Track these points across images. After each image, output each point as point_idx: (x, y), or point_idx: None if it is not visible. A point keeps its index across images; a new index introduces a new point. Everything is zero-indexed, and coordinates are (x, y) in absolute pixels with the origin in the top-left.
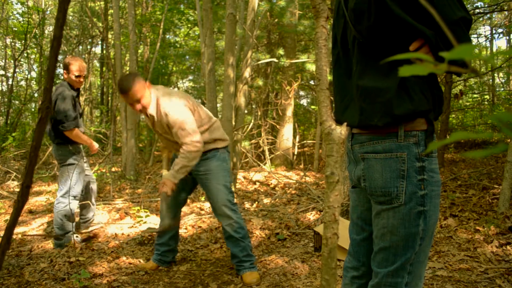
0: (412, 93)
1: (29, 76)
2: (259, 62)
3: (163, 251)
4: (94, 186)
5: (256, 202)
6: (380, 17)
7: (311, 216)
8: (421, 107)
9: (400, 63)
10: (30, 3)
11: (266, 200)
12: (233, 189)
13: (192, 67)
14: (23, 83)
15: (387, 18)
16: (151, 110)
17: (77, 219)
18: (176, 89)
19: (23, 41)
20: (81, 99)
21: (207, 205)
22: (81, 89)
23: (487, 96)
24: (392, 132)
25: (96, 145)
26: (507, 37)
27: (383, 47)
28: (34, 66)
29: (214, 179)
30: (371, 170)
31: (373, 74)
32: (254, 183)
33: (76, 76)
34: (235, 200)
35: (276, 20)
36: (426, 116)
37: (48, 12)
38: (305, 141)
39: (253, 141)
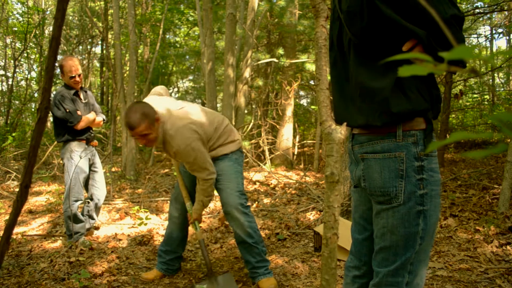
0: (409, 92)
1: (29, 76)
2: (259, 62)
3: (170, 259)
4: (96, 196)
5: (256, 202)
6: (373, 19)
7: (311, 216)
8: (419, 106)
9: (396, 63)
10: (30, 3)
11: (266, 200)
12: None
13: (192, 67)
14: (23, 83)
15: (379, 20)
16: (159, 144)
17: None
18: (184, 104)
19: (23, 41)
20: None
21: None
22: (84, 87)
23: (487, 96)
24: (391, 132)
25: (91, 116)
26: (507, 37)
27: (378, 48)
28: (34, 66)
29: (226, 180)
30: (370, 170)
31: (369, 75)
32: (254, 183)
33: (70, 78)
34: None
35: (276, 20)
36: (425, 115)
37: (48, 12)
38: (305, 141)
39: (253, 141)
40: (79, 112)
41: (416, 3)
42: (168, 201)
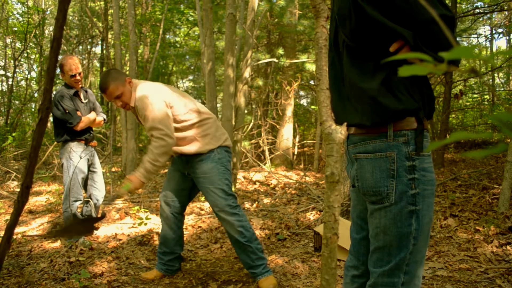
0: (398, 93)
1: (29, 76)
2: (259, 62)
3: (169, 260)
4: (95, 196)
5: (256, 202)
6: (360, 21)
7: (311, 216)
8: (410, 106)
9: (386, 64)
10: (30, 3)
11: (266, 200)
12: (233, 189)
13: (192, 67)
14: (23, 83)
15: (366, 22)
16: (132, 105)
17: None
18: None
19: (23, 41)
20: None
21: (207, 205)
22: (84, 86)
23: (487, 96)
24: (383, 132)
25: (92, 115)
26: (507, 37)
27: (368, 49)
28: (34, 66)
29: (209, 183)
30: (363, 170)
31: (360, 75)
32: (254, 183)
33: (71, 76)
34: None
35: (276, 20)
36: (416, 114)
37: (48, 12)
38: (305, 141)
39: (253, 141)
40: (79, 113)
41: (401, 4)
42: None
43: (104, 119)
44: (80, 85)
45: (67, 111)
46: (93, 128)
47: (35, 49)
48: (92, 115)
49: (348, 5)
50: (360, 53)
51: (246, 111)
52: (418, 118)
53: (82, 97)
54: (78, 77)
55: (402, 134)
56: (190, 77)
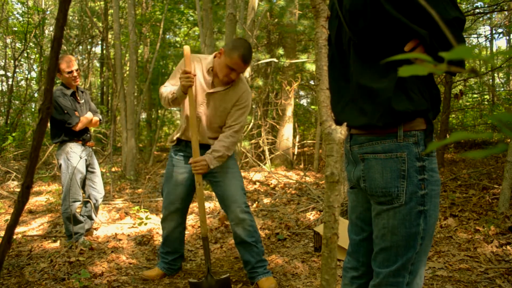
0: (411, 93)
1: (29, 76)
2: (259, 62)
3: (172, 259)
4: (94, 197)
5: (256, 202)
6: (376, 18)
7: (311, 216)
8: (421, 107)
9: (397, 63)
10: (30, 3)
11: (266, 200)
12: None
13: None
14: (23, 83)
15: (382, 19)
16: (227, 84)
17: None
18: None
19: (23, 41)
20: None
21: (207, 205)
22: (80, 87)
23: (487, 96)
24: (392, 132)
25: (89, 115)
26: (507, 37)
27: (379, 47)
28: (34, 66)
29: (235, 178)
30: (372, 171)
31: (370, 75)
32: (254, 183)
33: (68, 73)
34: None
35: (276, 20)
36: (425, 115)
37: (48, 12)
38: (305, 141)
39: (253, 141)
40: (77, 113)
41: (421, 3)
42: None
43: (100, 120)
44: (77, 83)
45: (65, 112)
46: (93, 128)
47: (35, 49)
48: (89, 115)
49: (363, 1)
50: (370, 52)
51: None
52: (427, 118)
53: (78, 98)
54: (75, 74)
55: (412, 134)
56: None
